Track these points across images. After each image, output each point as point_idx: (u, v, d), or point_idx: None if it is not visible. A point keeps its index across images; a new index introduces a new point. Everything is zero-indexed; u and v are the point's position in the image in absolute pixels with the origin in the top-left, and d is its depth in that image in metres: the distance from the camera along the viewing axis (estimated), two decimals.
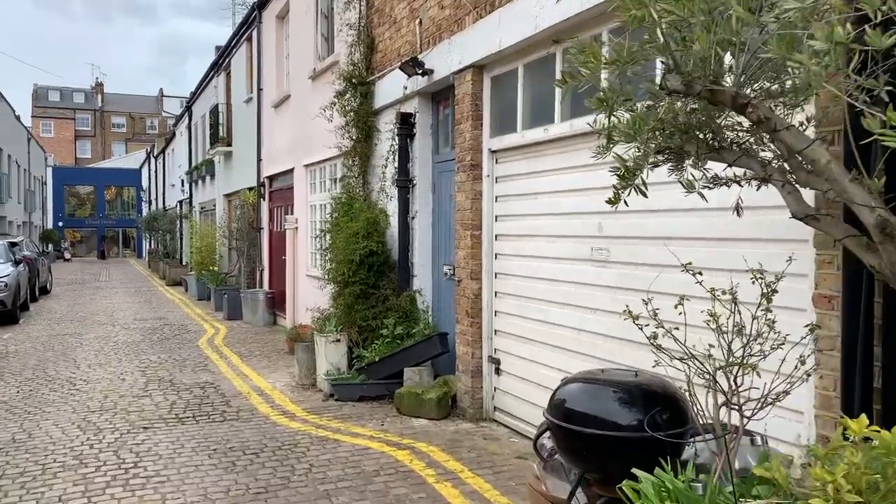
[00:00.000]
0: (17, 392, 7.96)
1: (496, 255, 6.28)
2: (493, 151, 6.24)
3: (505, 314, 6.17)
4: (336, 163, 10.26)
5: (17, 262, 15.97)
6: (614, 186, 2.62)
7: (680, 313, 2.90)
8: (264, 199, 14.69)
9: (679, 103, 2.50)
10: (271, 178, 14.51)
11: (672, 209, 4.22)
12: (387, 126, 8.31)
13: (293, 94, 12.44)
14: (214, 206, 21.50)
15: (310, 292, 11.51)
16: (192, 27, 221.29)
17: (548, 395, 5.21)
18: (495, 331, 6.29)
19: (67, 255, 47.90)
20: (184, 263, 27.76)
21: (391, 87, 7.95)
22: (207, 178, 22.48)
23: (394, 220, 7.89)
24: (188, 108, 26.36)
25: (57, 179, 55.07)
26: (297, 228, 12.31)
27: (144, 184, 49.59)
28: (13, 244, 18.87)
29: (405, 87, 7.46)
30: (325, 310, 8.34)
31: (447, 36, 6.66)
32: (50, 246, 46.86)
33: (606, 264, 4.82)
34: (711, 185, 2.76)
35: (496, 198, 6.25)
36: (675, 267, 4.26)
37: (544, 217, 5.54)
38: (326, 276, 8.21)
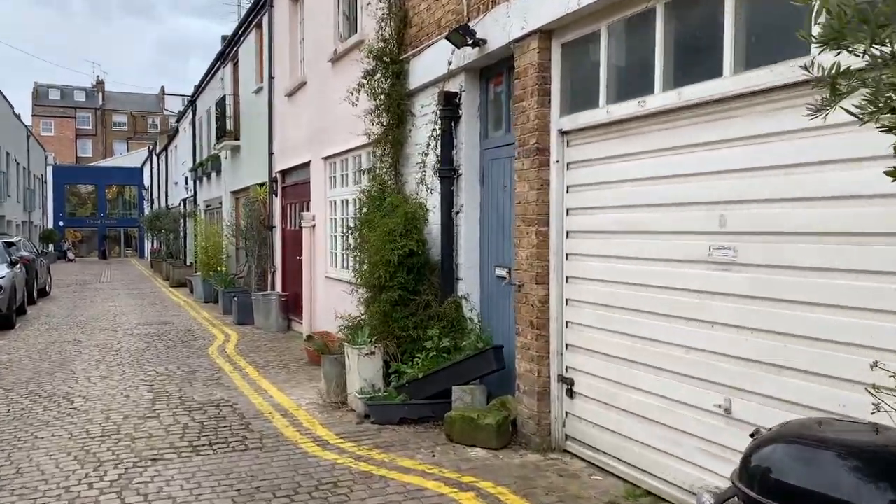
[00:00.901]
0: (8, 412, 7.01)
1: (567, 255, 5.32)
2: (564, 132, 5.27)
3: (579, 326, 5.21)
4: (361, 153, 9.30)
5: (13, 263, 15.04)
6: None
7: None
8: (276, 196, 13.74)
9: None
10: (284, 173, 13.55)
11: (838, 196, 3.27)
12: (424, 109, 7.35)
13: (310, 80, 11.48)
14: (220, 203, 20.56)
15: (330, 296, 10.56)
16: (192, 25, 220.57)
17: (644, 426, 4.26)
18: (567, 345, 5.33)
19: (71, 255, 46.98)
20: (188, 264, 26.84)
21: (431, 63, 6.99)
22: (213, 174, 21.54)
23: (434, 216, 6.94)
24: (192, 103, 25.43)
25: (57, 178, 54.16)
26: (314, 226, 11.36)
27: (146, 182, 48.69)
28: (9, 244, 17.95)
29: (449, 62, 6.50)
30: (355, 317, 7.39)
31: None
32: (51, 246, 45.98)
33: (731, 267, 3.86)
34: None
35: (567, 188, 5.29)
36: (839, 271, 3.32)
37: (636, 209, 4.57)
38: (358, 280, 7.25)
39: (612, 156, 4.80)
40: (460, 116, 6.62)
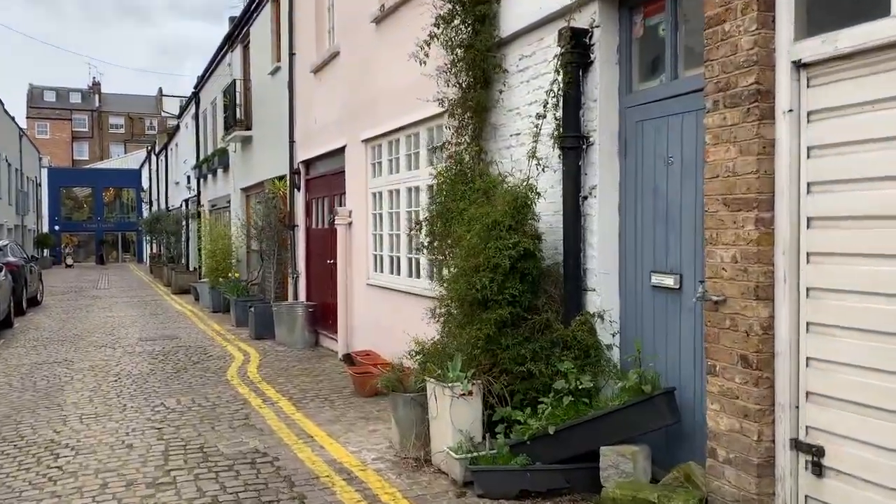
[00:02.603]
0: None
1: (808, 255, 3.47)
2: (804, 65, 3.43)
3: (832, 364, 3.36)
4: (420, 129, 7.45)
5: None
6: None
7: None
8: (299, 190, 11.88)
9: None
10: (308, 164, 11.69)
11: None
12: (524, 63, 5.51)
13: (344, 49, 9.63)
14: (228, 202, 18.70)
15: (374, 307, 8.71)
16: (187, 28, 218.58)
17: None
18: (808, 394, 3.47)
19: (70, 261, 45.00)
20: (191, 269, 24.97)
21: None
22: (219, 171, 19.68)
23: (547, 204, 5.10)
24: (195, 95, 23.57)
25: (52, 181, 52.24)
26: (351, 224, 9.50)
27: (145, 184, 46.80)
28: None
29: None
30: (433, 342, 5.54)
31: None
32: (46, 251, 44.06)
33: None
34: None
35: (808, 150, 3.45)
36: None
37: None
38: (443, 291, 5.40)
39: None
40: (591, 62, 4.77)
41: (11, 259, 16.36)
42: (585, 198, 4.83)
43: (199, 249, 22.37)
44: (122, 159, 62.76)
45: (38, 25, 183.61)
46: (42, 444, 5.90)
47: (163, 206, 35.05)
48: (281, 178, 12.68)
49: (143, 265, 45.77)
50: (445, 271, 5.61)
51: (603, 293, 4.77)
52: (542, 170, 5.07)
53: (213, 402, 7.29)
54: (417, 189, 7.56)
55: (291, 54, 12.01)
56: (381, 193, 8.65)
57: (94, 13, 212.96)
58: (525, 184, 4.97)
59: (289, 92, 12.11)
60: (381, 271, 8.68)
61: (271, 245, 12.44)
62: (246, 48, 16.39)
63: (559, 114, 4.90)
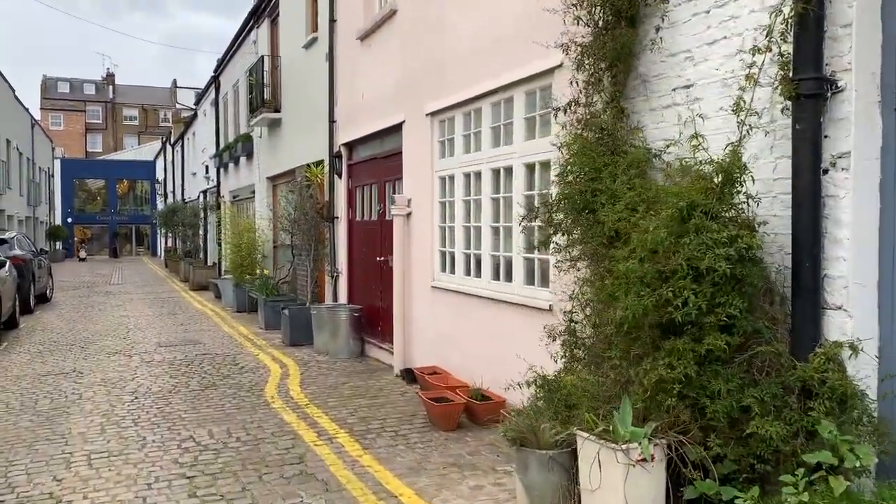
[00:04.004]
0: None
1: None
2: None
3: None
4: (514, 93, 5.91)
5: None
6: None
7: None
8: (340, 176, 10.38)
9: None
10: (351, 146, 10.19)
11: None
12: None
13: (404, 4, 8.10)
14: (252, 193, 17.26)
15: (441, 316, 7.20)
16: (200, 21, 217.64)
17: None
18: None
19: (82, 254, 43.87)
20: (209, 264, 23.58)
21: None
22: (242, 159, 18.24)
23: (757, 181, 3.54)
24: (214, 80, 22.10)
25: (65, 172, 51.11)
26: (410, 214, 7.99)
27: (159, 176, 45.53)
28: None
29: None
30: (555, 373, 4.02)
31: None
32: (58, 243, 42.93)
33: None
34: None
35: None
36: None
37: None
38: (587, 306, 3.87)
39: None
40: None
41: (18, 252, 14.98)
42: (826, 171, 3.28)
43: (219, 243, 20.99)
44: (136, 150, 61.61)
45: (51, 17, 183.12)
46: (37, 500, 4.44)
47: (178, 197, 33.70)
48: (317, 163, 11.19)
49: (158, 259, 44.60)
50: (577, 275, 4.09)
51: (856, 314, 3.21)
52: (749, 132, 3.51)
53: (255, 434, 5.80)
54: (509, 170, 6.03)
55: (332, 21, 10.49)
56: (452, 177, 7.13)
57: (106, 8, 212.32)
58: (730, 151, 3.40)
59: (329, 65, 10.60)
60: (452, 272, 7.16)
61: (306, 239, 10.94)
62: (274, 22, 14.90)
63: (785, 47, 3.34)
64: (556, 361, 4.71)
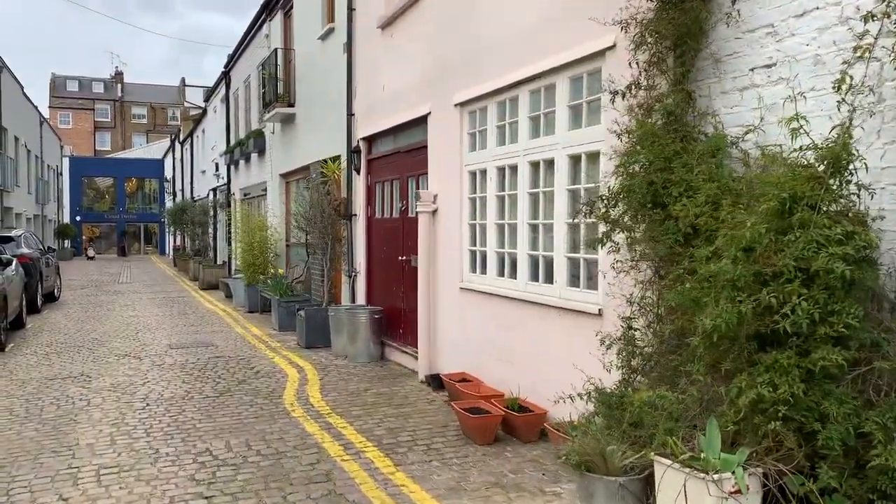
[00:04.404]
0: None
1: None
2: None
3: None
4: (558, 80, 5.46)
5: (4, 264, 11.41)
6: None
7: None
8: (359, 172, 9.95)
9: None
10: (371, 140, 9.76)
11: None
12: None
13: None
14: (264, 191, 16.86)
15: (471, 319, 6.76)
16: (209, 22, 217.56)
17: None
18: None
19: (91, 253, 43.65)
20: (219, 262, 23.22)
21: None
22: (253, 156, 17.85)
23: (867, 170, 3.09)
24: (225, 75, 21.71)
25: (74, 170, 50.89)
26: (436, 211, 7.56)
27: (168, 174, 45.25)
28: (5, 238, 14.41)
29: None
30: (620, 388, 3.58)
31: None
32: (67, 242, 42.71)
33: None
34: None
35: None
36: None
37: None
38: (658, 311, 3.43)
39: None
40: None
41: (25, 251, 14.64)
42: None
43: (229, 242, 20.61)
44: (144, 149, 61.41)
45: (60, 16, 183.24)
46: None
47: (187, 196, 33.36)
48: (334, 159, 10.77)
49: (166, 257, 44.32)
50: (637, 276, 3.64)
51: None
52: (852, 113, 3.05)
53: (276, 447, 5.38)
54: (550, 163, 5.58)
55: (350, 10, 10.06)
56: (483, 171, 6.68)
57: (115, 8, 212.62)
58: (838, 134, 2.94)
59: (347, 56, 10.17)
60: (484, 272, 6.72)
61: (322, 238, 10.51)
62: (288, 14, 14.48)
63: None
64: (608, 371, 4.27)
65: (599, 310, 4.81)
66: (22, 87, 31.23)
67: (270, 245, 14.34)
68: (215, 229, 25.22)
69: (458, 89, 6.98)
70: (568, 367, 4.87)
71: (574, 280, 5.32)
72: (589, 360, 4.62)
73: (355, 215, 10.11)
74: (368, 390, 7.28)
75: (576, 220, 4.53)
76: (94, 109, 77.94)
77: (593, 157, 5.06)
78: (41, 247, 16.94)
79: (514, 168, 6.13)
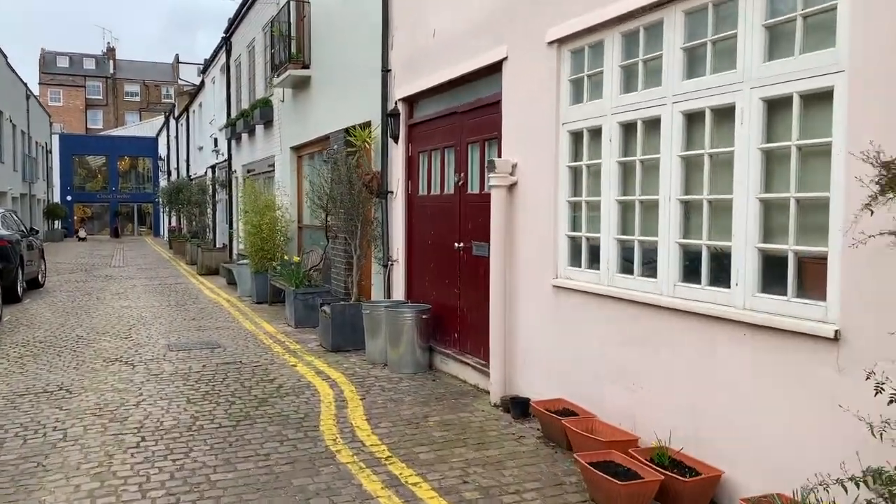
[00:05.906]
0: None
1: None
2: None
3: None
4: None
5: None
6: None
7: None
8: (396, 140, 8.20)
9: None
10: (412, 101, 8.02)
11: None
12: None
13: None
14: (271, 166, 15.09)
15: (572, 330, 5.08)
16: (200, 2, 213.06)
17: None
18: None
19: (82, 234, 41.88)
20: (219, 246, 21.46)
21: None
22: (259, 128, 16.06)
23: None
24: (225, 41, 19.82)
25: (64, 148, 48.91)
26: (515, 185, 5.84)
27: (162, 152, 43.29)
28: None
29: None
30: None
31: None
32: (57, 223, 40.86)
33: None
34: None
35: None
36: None
37: None
38: None
39: None
40: None
41: (3, 232, 12.91)
42: None
43: (230, 224, 18.84)
44: (138, 126, 59.33)
45: None
46: None
47: (183, 174, 31.49)
48: (364, 126, 9.02)
49: (161, 239, 42.54)
50: None
51: None
52: None
53: None
54: (725, 112, 3.86)
55: None
56: (595, 130, 4.96)
57: None
58: None
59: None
60: (592, 267, 5.02)
61: (350, 220, 8.77)
62: None
63: None
64: (878, 436, 2.61)
65: (836, 332, 3.13)
66: (6, 58, 29.23)
67: (280, 228, 12.61)
68: (214, 210, 23.44)
69: (554, 22, 5.24)
70: (762, 410, 3.20)
71: (773, 283, 3.62)
72: (814, 407, 2.96)
73: (391, 192, 8.38)
74: (429, 417, 5.61)
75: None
76: (85, 87, 75.64)
77: (814, 98, 3.36)
78: (23, 228, 15.19)
79: (653, 122, 4.41)
